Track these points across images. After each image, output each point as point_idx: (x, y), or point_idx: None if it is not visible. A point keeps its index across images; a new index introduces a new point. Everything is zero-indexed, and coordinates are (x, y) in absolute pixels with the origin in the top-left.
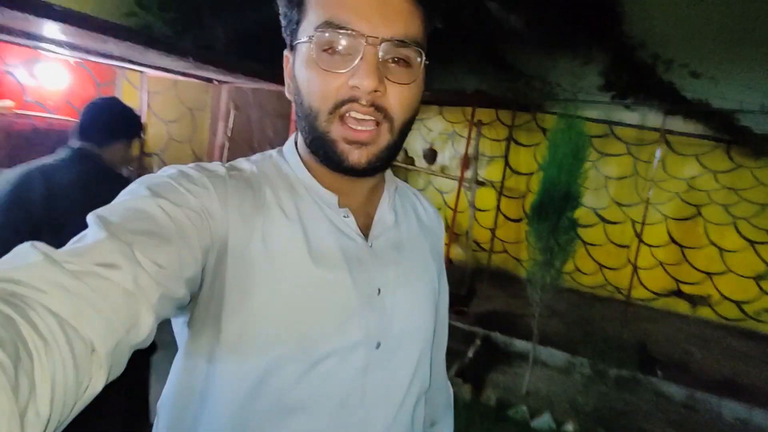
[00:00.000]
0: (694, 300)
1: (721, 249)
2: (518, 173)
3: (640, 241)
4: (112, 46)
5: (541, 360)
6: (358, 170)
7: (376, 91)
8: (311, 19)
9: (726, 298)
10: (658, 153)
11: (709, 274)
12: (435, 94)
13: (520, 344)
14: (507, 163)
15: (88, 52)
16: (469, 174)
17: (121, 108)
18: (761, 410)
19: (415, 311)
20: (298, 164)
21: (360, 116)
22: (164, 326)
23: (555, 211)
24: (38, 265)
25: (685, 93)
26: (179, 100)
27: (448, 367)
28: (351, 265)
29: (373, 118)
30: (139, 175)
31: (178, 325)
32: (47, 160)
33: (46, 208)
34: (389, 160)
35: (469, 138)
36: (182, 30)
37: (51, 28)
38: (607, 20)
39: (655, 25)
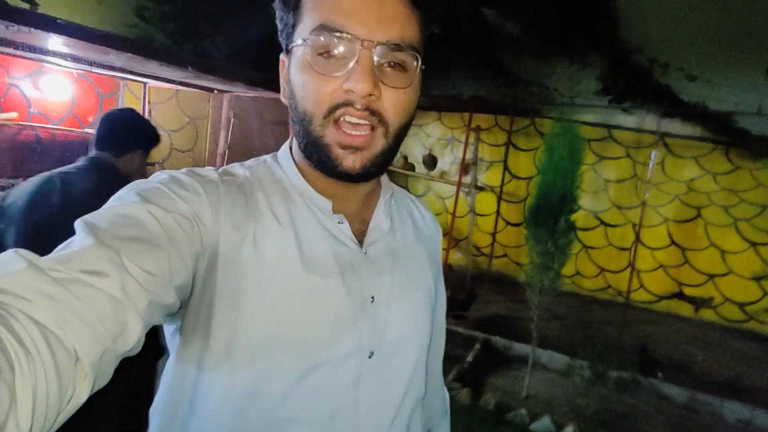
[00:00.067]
0: (696, 302)
1: (722, 250)
2: (518, 178)
3: (638, 242)
4: (114, 57)
5: (541, 363)
6: (352, 175)
7: (371, 95)
8: (307, 23)
9: (728, 299)
10: (653, 155)
11: (711, 275)
12: (433, 100)
13: (520, 347)
14: (506, 168)
15: (90, 63)
16: (468, 179)
17: (137, 119)
18: (763, 411)
19: (411, 319)
20: (293, 169)
21: (355, 120)
22: None
23: (552, 214)
24: (22, 273)
25: (682, 96)
26: (180, 109)
27: (447, 372)
28: (344, 272)
29: (367, 122)
30: None
31: (170, 332)
32: (67, 168)
33: (62, 214)
34: (384, 165)
35: (467, 143)
36: (182, 40)
37: (55, 41)
38: (604, 25)
39: (651, 29)
